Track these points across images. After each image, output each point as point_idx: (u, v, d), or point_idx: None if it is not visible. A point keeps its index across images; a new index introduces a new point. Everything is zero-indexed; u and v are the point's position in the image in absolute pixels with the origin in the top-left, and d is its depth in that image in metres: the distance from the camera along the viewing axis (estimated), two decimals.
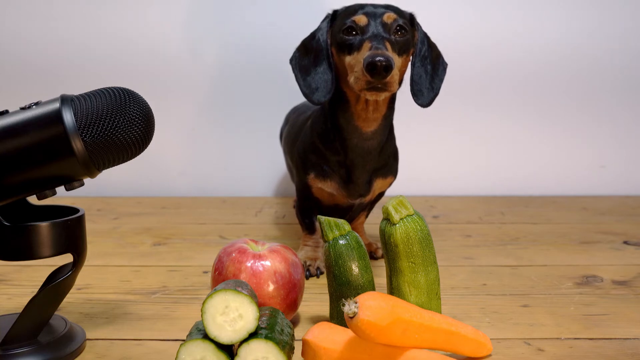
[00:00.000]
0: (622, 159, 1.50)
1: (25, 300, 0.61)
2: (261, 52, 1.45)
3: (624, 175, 1.50)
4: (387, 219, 0.65)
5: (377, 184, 0.90)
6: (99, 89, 0.59)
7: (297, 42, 0.88)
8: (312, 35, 0.86)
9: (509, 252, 0.99)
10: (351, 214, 0.94)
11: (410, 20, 0.85)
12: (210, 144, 1.50)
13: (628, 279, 0.86)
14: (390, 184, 0.94)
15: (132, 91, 0.60)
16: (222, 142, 1.50)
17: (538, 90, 1.47)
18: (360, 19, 0.80)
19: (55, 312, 0.64)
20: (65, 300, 0.65)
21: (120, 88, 0.59)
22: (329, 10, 0.86)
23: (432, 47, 0.87)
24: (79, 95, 0.59)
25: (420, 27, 0.86)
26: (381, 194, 0.97)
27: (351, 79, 0.79)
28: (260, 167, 1.50)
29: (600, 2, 1.43)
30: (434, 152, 1.49)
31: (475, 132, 1.48)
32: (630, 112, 1.48)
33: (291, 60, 0.87)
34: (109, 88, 0.59)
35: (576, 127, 1.48)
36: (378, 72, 0.74)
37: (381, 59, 0.73)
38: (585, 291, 0.81)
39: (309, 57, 0.85)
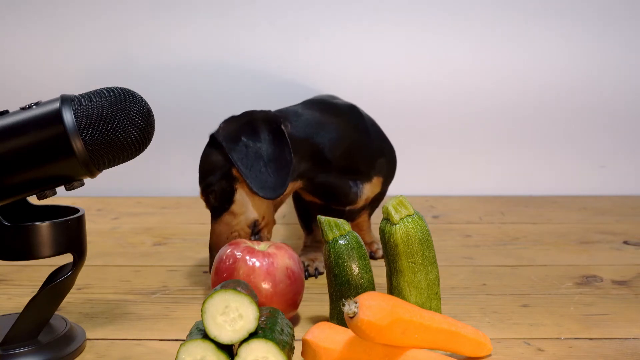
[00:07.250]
0: (622, 159, 1.49)
1: (25, 300, 0.61)
2: (259, 54, 1.45)
3: (624, 175, 1.50)
4: (387, 219, 0.65)
5: (366, 190, 0.88)
6: (99, 89, 0.59)
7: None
8: None
9: (509, 252, 0.99)
10: (352, 214, 0.93)
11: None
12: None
13: (628, 279, 0.86)
14: (382, 184, 0.92)
15: (133, 91, 0.60)
16: None
17: (539, 92, 1.47)
18: None
19: (55, 312, 0.64)
20: (65, 300, 0.65)
21: (120, 88, 0.59)
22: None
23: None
24: (79, 95, 0.59)
25: (230, 144, 0.78)
26: (381, 194, 0.96)
27: None
28: None
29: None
30: (433, 151, 1.49)
31: (475, 132, 1.48)
32: (630, 111, 1.48)
33: None
34: (109, 88, 0.59)
35: (576, 127, 1.48)
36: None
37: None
38: (585, 291, 0.81)
39: None
